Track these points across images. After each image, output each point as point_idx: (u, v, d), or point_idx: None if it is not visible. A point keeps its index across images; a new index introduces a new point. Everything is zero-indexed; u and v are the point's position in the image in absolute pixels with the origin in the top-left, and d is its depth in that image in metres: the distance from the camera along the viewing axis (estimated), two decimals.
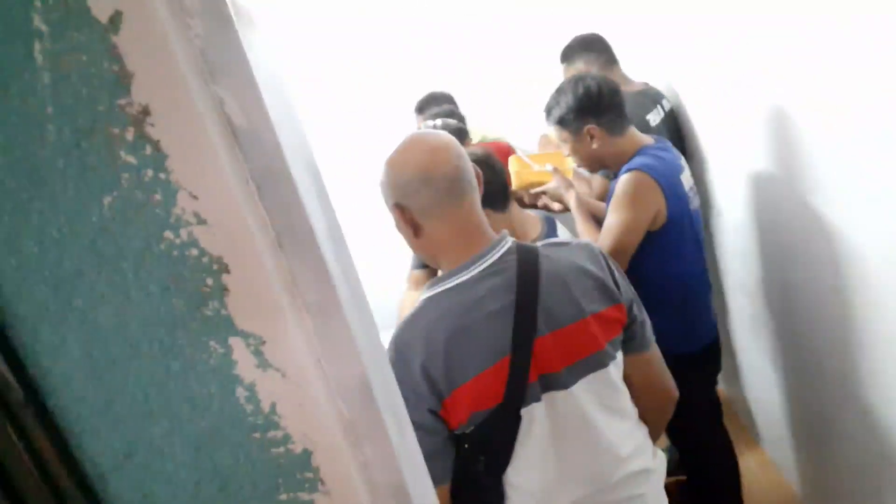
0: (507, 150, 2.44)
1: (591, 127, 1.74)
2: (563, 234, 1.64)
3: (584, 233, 1.75)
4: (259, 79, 0.46)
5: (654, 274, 1.71)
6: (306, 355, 0.50)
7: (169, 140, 0.45)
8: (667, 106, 2.23)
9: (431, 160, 1.05)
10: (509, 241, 1.11)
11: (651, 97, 2.23)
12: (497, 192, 1.54)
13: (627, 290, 1.16)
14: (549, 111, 1.81)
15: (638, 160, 1.72)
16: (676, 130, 2.25)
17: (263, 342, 0.50)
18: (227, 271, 0.48)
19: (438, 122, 2.27)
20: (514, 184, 1.83)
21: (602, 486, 1.10)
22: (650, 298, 1.41)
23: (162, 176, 0.45)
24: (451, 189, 1.05)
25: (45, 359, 0.50)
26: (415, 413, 0.99)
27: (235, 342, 0.50)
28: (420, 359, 1.02)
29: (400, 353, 1.05)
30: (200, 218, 0.46)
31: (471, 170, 1.10)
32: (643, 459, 1.15)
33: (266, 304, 0.49)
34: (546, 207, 1.82)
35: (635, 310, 1.16)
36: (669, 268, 1.74)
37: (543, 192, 1.81)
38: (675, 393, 1.23)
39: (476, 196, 1.10)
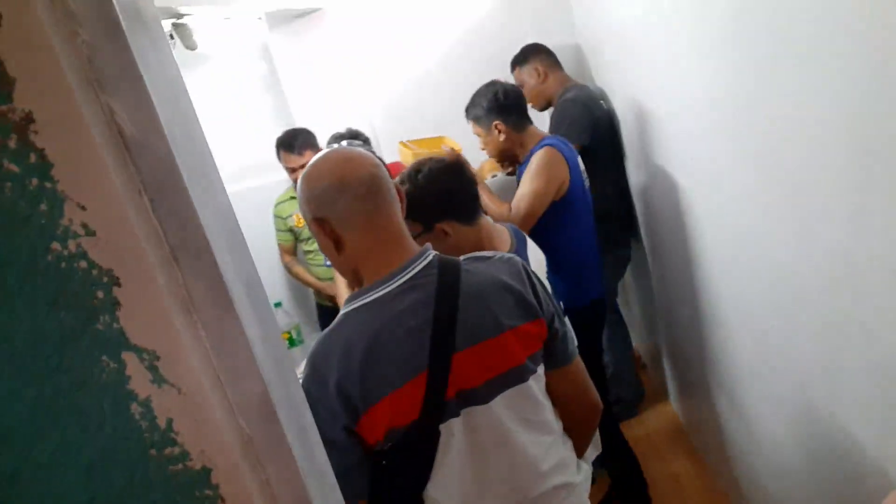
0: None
1: (497, 123, 2.17)
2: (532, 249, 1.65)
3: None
4: (152, 87, 0.45)
5: (556, 238, 2.15)
6: (203, 371, 0.49)
7: (55, 149, 0.43)
8: (605, 104, 2.64)
9: (346, 167, 1.05)
10: (431, 255, 1.11)
11: (598, 92, 2.68)
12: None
13: (549, 305, 1.16)
14: (467, 110, 2.23)
15: (547, 141, 2.14)
16: (613, 124, 2.63)
17: (158, 357, 0.48)
18: (119, 284, 0.46)
19: (344, 142, 2.36)
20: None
21: (522, 500, 1.10)
22: (552, 259, 2.14)
23: (48, 185, 0.44)
24: (368, 195, 1.05)
25: None
26: (330, 431, 0.99)
27: (129, 357, 0.48)
28: (336, 376, 1.00)
29: (316, 369, 1.03)
30: (89, 229, 0.45)
31: (389, 179, 1.09)
32: (566, 474, 1.16)
33: (160, 318, 0.48)
34: None
35: (556, 324, 1.17)
36: (568, 232, 2.15)
37: None
38: (600, 404, 1.24)
39: (396, 207, 1.10)
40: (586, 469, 1.22)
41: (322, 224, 1.06)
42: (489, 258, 1.17)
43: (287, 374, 0.56)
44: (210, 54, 2.88)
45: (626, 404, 2.88)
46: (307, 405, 0.58)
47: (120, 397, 0.49)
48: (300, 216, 2.83)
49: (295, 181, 2.77)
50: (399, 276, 1.06)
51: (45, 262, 0.45)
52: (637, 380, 2.96)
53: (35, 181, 0.44)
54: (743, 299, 1.73)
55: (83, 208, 0.44)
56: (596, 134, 2.50)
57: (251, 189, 2.99)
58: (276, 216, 3.01)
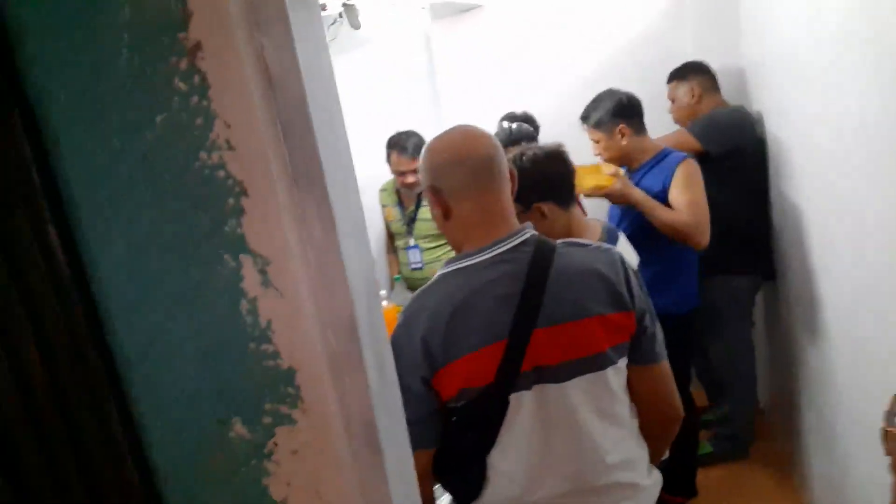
0: None
1: (622, 126, 2.25)
2: (623, 246, 1.65)
3: (663, 214, 2.09)
4: (297, 35, 0.53)
5: (664, 245, 2.17)
6: (304, 282, 0.57)
7: (214, 74, 0.52)
8: (758, 127, 2.61)
9: (465, 145, 1.14)
10: (529, 233, 1.16)
11: (754, 115, 2.65)
12: (565, 187, 1.64)
13: (641, 301, 1.17)
14: (587, 115, 2.31)
15: (682, 153, 2.23)
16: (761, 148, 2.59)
17: (269, 263, 0.57)
18: (247, 195, 0.55)
19: (514, 125, 2.41)
20: (581, 186, 2.10)
21: (584, 486, 1.11)
22: (655, 263, 2.17)
23: (205, 103, 0.53)
24: (481, 172, 1.12)
25: (94, 249, 0.59)
26: (409, 379, 1.07)
27: (246, 259, 0.57)
28: (423, 331, 1.08)
29: (407, 321, 1.12)
30: (231, 144, 0.54)
31: (504, 162, 1.16)
32: (634, 473, 1.16)
33: (275, 229, 0.56)
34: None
35: (647, 321, 1.17)
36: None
37: (607, 195, 2.14)
38: (681, 412, 1.22)
39: (506, 186, 1.16)
40: (657, 475, 1.21)
41: (436, 192, 1.15)
42: (587, 245, 1.20)
43: (372, 300, 0.62)
44: (372, 38, 3.07)
45: (740, 443, 2.73)
46: (385, 332, 0.64)
47: (234, 294, 0.58)
48: (391, 211, 2.94)
49: (402, 184, 2.82)
50: (496, 247, 1.12)
51: (194, 167, 0.55)
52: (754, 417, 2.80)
53: (196, 99, 0.53)
54: (872, 352, 1.60)
55: (228, 126, 0.53)
56: (749, 151, 2.45)
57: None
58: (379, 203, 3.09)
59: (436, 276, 1.16)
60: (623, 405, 1.16)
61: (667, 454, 1.29)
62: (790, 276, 2.38)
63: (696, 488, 2.46)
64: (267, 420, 0.61)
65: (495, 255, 1.12)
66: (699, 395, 2.83)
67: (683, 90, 2.65)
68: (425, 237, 2.88)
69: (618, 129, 2.27)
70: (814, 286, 2.07)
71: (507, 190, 1.17)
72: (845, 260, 1.78)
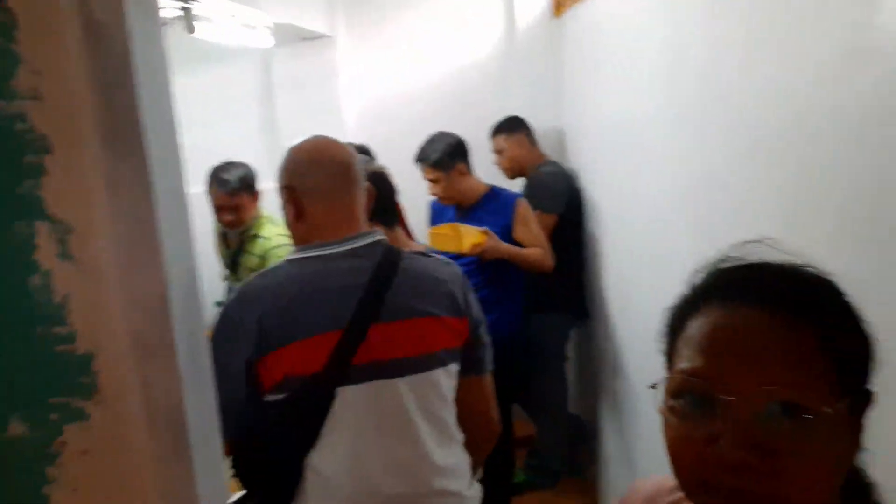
0: None
1: (461, 165, 2.38)
2: None
3: (525, 256, 2.30)
4: None
5: (505, 272, 2.36)
6: (111, 256, 0.51)
7: (25, 13, 0.47)
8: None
9: (326, 149, 1.19)
10: (380, 236, 1.20)
11: (570, 171, 2.88)
12: (388, 208, 1.68)
13: (477, 312, 1.23)
14: (426, 155, 2.39)
15: (511, 193, 2.47)
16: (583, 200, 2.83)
17: (70, 231, 0.50)
18: (50, 152, 0.49)
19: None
20: (456, 249, 2.21)
21: (415, 490, 1.11)
22: (494, 288, 2.35)
23: (11, 46, 0.47)
24: (339, 176, 1.16)
25: None
26: (229, 356, 1.04)
27: (42, 226, 0.50)
28: (260, 310, 1.07)
29: (244, 298, 1.10)
30: (37, 94, 0.48)
31: (361, 172, 1.21)
32: (460, 482, 1.18)
33: (82, 194, 0.50)
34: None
35: (481, 331, 1.23)
36: (511, 270, 2.39)
37: (483, 251, 2.23)
38: (498, 428, 1.28)
39: (360, 194, 1.20)
40: (478, 487, 1.23)
41: (292, 192, 1.16)
42: (431, 256, 1.26)
43: (191, 282, 0.58)
44: (210, 54, 2.95)
45: (550, 473, 2.87)
46: (203, 318, 0.60)
47: (25, 266, 0.51)
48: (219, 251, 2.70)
49: (220, 221, 2.54)
50: (345, 244, 1.14)
51: None
52: (566, 450, 2.96)
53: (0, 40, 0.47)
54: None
55: (37, 73, 0.48)
56: (570, 206, 2.66)
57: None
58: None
59: (281, 260, 1.16)
60: (451, 412, 1.18)
61: (480, 473, 1.33)
62: (601, 316, 2.59)
63: None
64: (54, 416, 0.54)
65: (346, 250, 1.14)
66: (527, 426, 2.94)
67: (516, 140, 2.84)
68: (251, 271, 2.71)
69: (456, 168, 2.39)
70: (620, 326, 2.26)
71: (361, 197, 1.20)
72: (646, 302, 1.98)
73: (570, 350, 3.01)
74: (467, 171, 2.42)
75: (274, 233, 2.51)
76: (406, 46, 3.31)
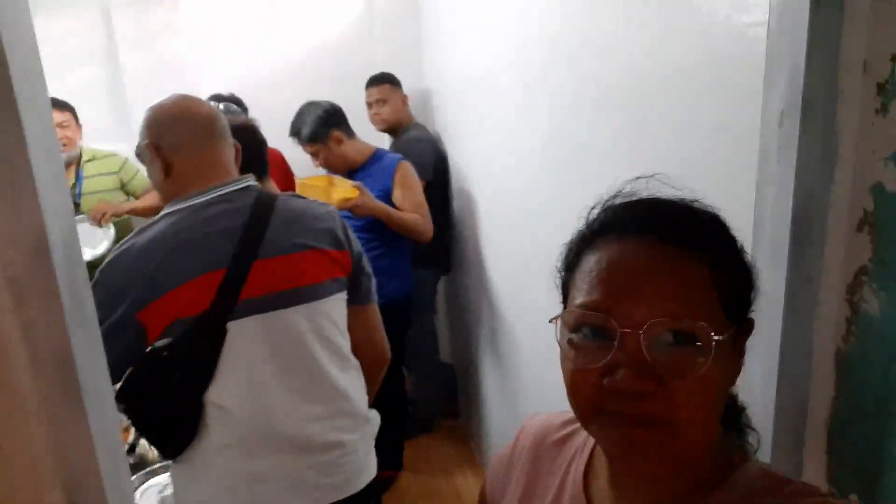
0: (278, 156, 2.58)
1: (336, 133, 2.35)
2: None
3: (399, 219, 2.30)
4: None
5: (389, 237, 2.37)
6: None
7: None
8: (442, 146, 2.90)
9: (188, 105, 1.21)
10: (252, 183, 1.23)
11: (435, 135, 2.95)
12: (258, 159, 1.65)
13: (356, 247, 1.30)
14: (297, 130, 2.37)
15: (397, 155, 2.44)
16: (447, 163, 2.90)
17: None
18: None
19: (221, 105, 2.36)
20: (329, 200, 2.11)
21: (319, 413, 1.17)
22: (381, 253, 2.35)
23: None
24: (203, 129, 1.19)
25: None
26: (110, 308, 1.06)
27: None
28: (141, 261, 1.09)
29: (124, 252, 1.12)
30: None
31: (226, 124, 1.23)
32: (361, 404, 1.26)
33: None
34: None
35: (363, 263, 1.30)
36: (397, 234, 2.39)
37: (352, 208, 2.20)
38: (388, 356, 1.37)
39: (227, 147, 1.23)
40: (376, 413, 1.31)
41: (157, 149, 1.18)
42: (307, 199, 1.30)
43: (68, 221, 0.57)
44: (43, 4, 2.69)
45: (424, 420, 3.00)
46: (81, 253, 0.59)
47: None
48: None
49: None
50: (217, 190, 1.17)
51: None
52: (439, 396, 3.09)
53: None
54: (527, 318, 1.92)
55: None
56: (436, 170, 2.72)
57: None
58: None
59: (158, 216, 1.16)
60: (345, 339, 1.25)
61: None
62: (469, 268, 2.71)
63: (403, 462, 2.65)
64: None
65: (217, 195, 1.16)
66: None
67: (398, 95, 2.86)
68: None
69: (333, 137, 2.36)
70: (492, 275, 2.39)
71: (228, 150, 1.23)
72: (505, 249, 2.11)
73: (437, 303, 3.14)
74: (345, 137, 2.40)
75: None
76: (258, 5, 3.18)
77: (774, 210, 0.71)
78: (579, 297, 0.55)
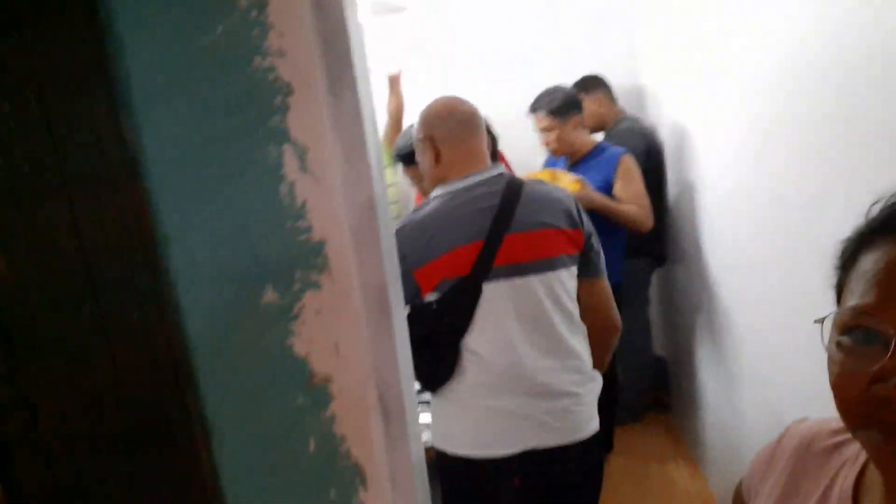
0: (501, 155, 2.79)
1: (577, 117, 2.53)
2: None
3: (620, 210, 2.43)
4: None
5: (606, 224, 2.43)
6: (335, 169, 0.71)
7: None
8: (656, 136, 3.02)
9: (454, 104, 1.51)
10: (503, 169, 1.49)
11: (649, 126, 3.06)
12: (493, 153, 1.92)
13: (589, 226, 1.50)
14: (541, 103, 2.55)
15: (617, 148, 2.54)
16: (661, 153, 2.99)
17: (307, 151, 0.70)
18: (292, 93, 0.69)
19: None
20: None
21: (553, 365, 1.37)
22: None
23: (262, 17, 0.67)
24: (466, 124, 1.48)
25: (145, 134, 0.70)
26: (400, 267, 1.30)
27: (287, 148, 0.70)
28: (417, 233, 1.38)
29: (405, 227, 1.43)
30: (282, 51, 0.68)
31: (483, 121, 1.51)
32: (587, 364, 1.46)
33: (315, 124, 0.70)
34: None
35: (593, 241, 1.50)
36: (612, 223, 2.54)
37: (579, 198, 2.27)
38: (618, 323, 1.55)
39: (484, 138, 1.50)
40: (599, 376, 1.47)
41: (429, 140, 1.49)
42: (548, 184, 1.57)
43: (382, 186, 0.77)
44: None
45: (634, 410, 3.03)
46: (390, 217, 0.80)
47: (276, 178, 0.71)
48: None
49: None
50: (476, 176, 1.45)
51: (249, 69, 0.68)
52: (648, 388, 3.10)
53: (255, 13, 0.67)
54: (750, 314, 1.89)
55: (282, 35, 0.67)
56: (649, 161, 2.76)
57: None
58: None
59: (431, 198, 1.46)
60: (575, 307, 1.46)
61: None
62: (682, 258, 2.69)
63: (613, 443, 2.74)
64: (297, 286, 0.74)
65: (477, 182, 1.44)
66: None
67: (592, 99, 2.96)
68: None
69: (572, 119, 2.54)
70: (703, 266, 2.37)
71: (485, 141, 1.50)
72: (727, 247, 2.08)
73: (652, 293, 3.13)
74: (581, 124, 2.58)
75: None
76: (478, 15, 3.44)
77: None
78: (852, 299, 0.53)
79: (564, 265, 1.43)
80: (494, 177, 1.46)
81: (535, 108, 2.56)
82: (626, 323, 2.90)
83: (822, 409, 1.56)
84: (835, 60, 1.20)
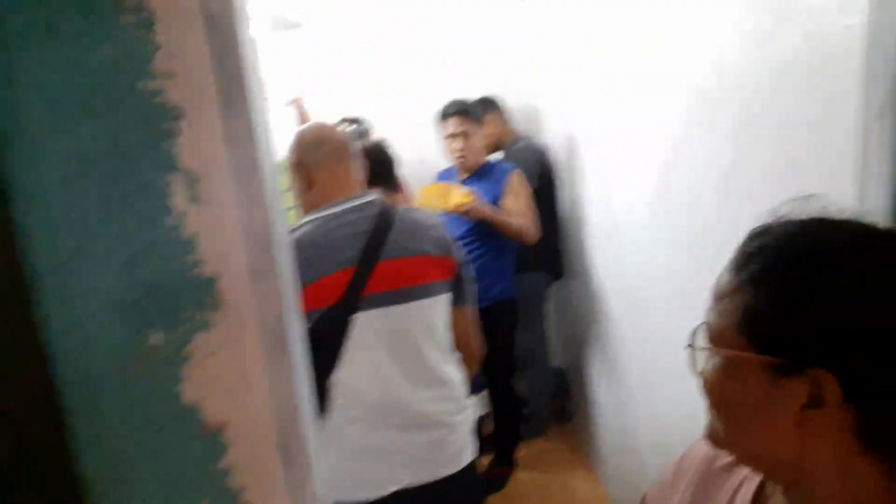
0: None
1: (497, 117, 2.72)
2: None
3: (507, 222, 2.49)
4: None
5: (498, 242, 2.57)
6: (228, 199, 0.66)
7: (161, 9, 0.61)
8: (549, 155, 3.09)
9: (326, 132, 1.49)
10: (376, 195, 1.46)
11: (542, 146, 3.12)
12: (388, 175, 1.97)
13: (460, 255, 1.50)
14: (456, 107, 2.54)
15: (506, 165, 2.65)
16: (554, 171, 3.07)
17: (199, 179, 0.65)
18: (183, 117, 0.64)
19: (353, 126, 2.64)
20: (442, 206, 2.35)
21: (430, 395, 1.36)
22: (488, 257, 2.58)
23: (150, 36, 0.61)
24: (338, 152, 1.44)
25: (19, 166, 0.63)
26: None
27: (176, 177, 0.65)
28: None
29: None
30: (172, 73, 0.62)
31: (355, 149, 1.49)
32: (461, 391, 1.44)
33: (207, 150, 0.65)
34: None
35: (465, 271, 1.50)
36: (504, 240, 2.60)
37: (465, 212, 2.41)
38: (480, 353, 1.56)
39: (357, 166, 1.48)
40: (474, 403, 1.51)
41: (301, 167, 1.44)
42: (421, 210, 1.55)
43: (281, 216, 0.73)
44: None
45: (538, 422, 3.09)
46: (289, 246, 0.76)
47: (164, 208, 0.66)
48: None
49: None
50: (347, 202, 1.41)
51: (138, 92, 0.62)
52: (550, 399, 3.17)
53: (142, 32, 0.61)
54: (640, 327, 1.98)
55: (173, 56, 0.62)
56: (542, 179, 2.84)
57: None
58: None
59: (302, 221, 1.41)
60: (448, 334, 1.45)
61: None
62: (577, 272, 2.78)
63: (516, 460, 2.78)
64: (187, 327, 0.69)
65: (348, 208, 1.40)
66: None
67: (490, 119, 3.01)
68: None
69: (482, 129, 2.64)
70: (604, 281, 2.46)
71: (358, 168, 1.49)
72: (619, 258, 2.17)
73: (550, 307, 3.22)
74: (498, 119, 2.73)
75: None
76: (377, 31, 3.43)
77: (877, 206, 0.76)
78: None
79: (438, 292, 1.42)
80: (366, 203, 1.43)
81: (448, 113, 2.54)
82: (526, 337, 2.98)
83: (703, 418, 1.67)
84: (725, 73, 1.27)
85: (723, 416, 0.62)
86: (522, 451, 2.88)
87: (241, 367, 0.70)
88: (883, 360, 0.53)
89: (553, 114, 3.13)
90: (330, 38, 3.39)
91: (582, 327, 2.83)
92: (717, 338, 0.62)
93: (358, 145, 1.84)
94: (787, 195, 0.67)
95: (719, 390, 0.61)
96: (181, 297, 0.68)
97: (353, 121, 2.99)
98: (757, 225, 0.64)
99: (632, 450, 2.21)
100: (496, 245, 2.56)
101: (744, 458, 0.63)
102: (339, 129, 1.54)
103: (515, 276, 2.80)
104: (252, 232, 0.68)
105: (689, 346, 0.64)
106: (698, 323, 0.65)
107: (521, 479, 2.77)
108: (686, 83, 1.46)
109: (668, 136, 1.62)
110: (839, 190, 0.79)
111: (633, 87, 1.86)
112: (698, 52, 1.38)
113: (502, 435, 2.78)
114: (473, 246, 2.50)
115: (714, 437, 0.64)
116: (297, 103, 3.00)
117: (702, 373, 0.63)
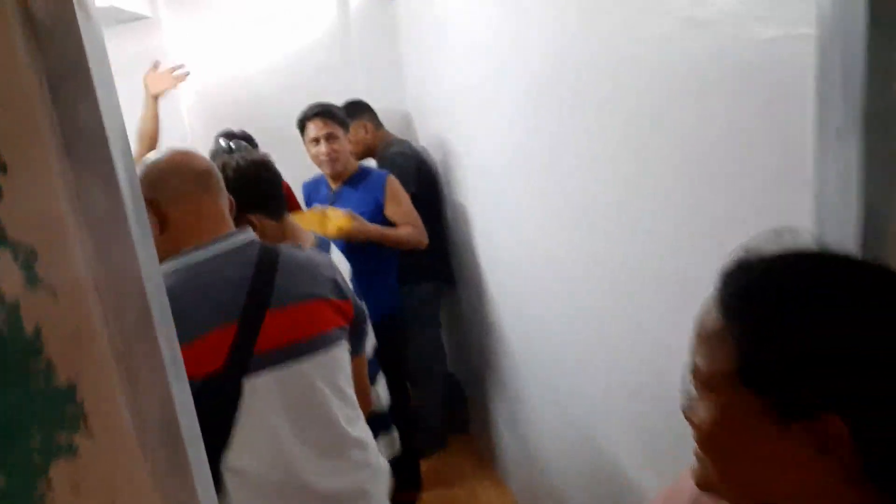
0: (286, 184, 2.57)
1: (366, 122, 2.55)
2: (335, 254, 1.70)
3: (394, 235, 2.36)
4: None
5: (378, 253, 2.41)
6: (84, 275, 0.48)
7: None
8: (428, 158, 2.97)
9: (184, 158, 1.19)
10: (253, 235, 1.21)
11: (420, 149, 2.96)
12: (273, 197, 1.59)
13: (355, 297, 1.29)
14: (318, 109, 2.37)
15: (379, 171, 2.54)
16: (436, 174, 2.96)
17: (36, 256, 0.46)
18: (4, 171, 0.45)
19: (232, 142, 2.36)
20: (321, 234, 2.07)
21: (341, 465, 1.15)
22: (369, 271, 2.31)
23: None
24: (200, 180, 1.16)
25: None
26: None
27: (3, 253, 0.46)
28: None
29: None
30: None
31: (221, 178, 1.22)
32: (373, 452, 1.24)
33: (45, 213, 0.46)
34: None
35: (362, 319, 1.29)
36: (384, 250, 2.46)
37: (349, 235, 2.23)
38: (370, 404, 1.37)
39: (224, 199, 1.21)
40: (387, 464, 1.31)
41: (153, 205, 1.11)
42: (307, 249, 1.31)
43: (160, 286, 0.55)
44: None
45: (437, 435, 2.98)
46: (173, 325, 0.57)
47: None
48: None
49: None
50: (217, 244, 1.13)
51: None
52: (447, 411, 3.08)
53: None
54: (524, 327, 1.93)
55: None
56: (421, 182, 2.72)
57: None
58: None
59: (163, 271, 1.09)
60: (352, 387, 1.23)
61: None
62: (469, 281, 2.71)
63: (421, 482, 2.64)
64: (36, 457, 0.49)
65: (219, 250, 1.13)
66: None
67: (357, 126, 2.82)
68: None
69: (362, 123, 2.55)
70: (490, 289, 2.40)
71: (225, 202, 1.21)
72: (507, 262, 2.12)
73: (443, 315, 3.13)
74: (370, 125, 2.61)
75: None
76: (237, 28, 3.16)
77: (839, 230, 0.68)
78: None
79: (338, 340, 1.19)
80: (244, 244, 1.15)
81: (309, 115, 2.34)
82: (418, 347, 2.86)
83: (606, 411, 1.64)
84: (579, 69, 1.23)
85: (717, 461, 0.58)
86: (424, 468, 2.76)
87: (120, 486, 0.52)
88: (890, 401, 0.52)
89: (424, 117, 3.04)
90: (178, 31, 3.05)
91: (472, 334, 2.76)
92: (709, 382, 0.57)
93: (231, 164, 1.59)
94: (695, 194, 0.62)
95: (716, 436, 0.58)
96: (29, 416, 0.48)
97: (237, 136, 2.57)
98: (729, 261, 0.60)
99: (534, 451, 2.17)
100: (373, 258, 2.40)
101: (739, 502, 0.60)
102: (201, 156, 1.24)
103: (402, 287, 2.67)
104: (122, 315, 0.50)
105: (682, 391, 0.60)
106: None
107: (430, 499, 2.66)
108: (579, 91, 1.41)
109: (557, 142, 1.56)
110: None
111: (519, 89, 1.80)
112: (595, 59, 1.32)
113: (404, 457, 2.65)
114: (352, 261, 2.33)
115: (705, 483, 0.61)
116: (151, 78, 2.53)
117: (693, 418, 0.59)
